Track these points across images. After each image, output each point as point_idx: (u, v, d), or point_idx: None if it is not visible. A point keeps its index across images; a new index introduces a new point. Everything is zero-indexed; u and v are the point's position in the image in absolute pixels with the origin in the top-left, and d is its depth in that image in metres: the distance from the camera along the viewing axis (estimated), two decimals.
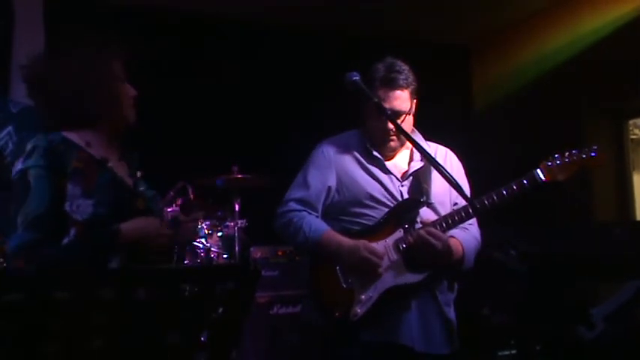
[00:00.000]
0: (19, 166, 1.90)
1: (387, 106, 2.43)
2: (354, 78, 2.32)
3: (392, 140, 2.52)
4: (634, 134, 5.36)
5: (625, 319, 3.24)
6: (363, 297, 2.39)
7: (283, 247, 4.35)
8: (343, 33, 5.61)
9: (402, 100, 2.48)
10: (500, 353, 3.94)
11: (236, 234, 4.12)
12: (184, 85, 4.89)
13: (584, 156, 2.41)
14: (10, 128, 2.19)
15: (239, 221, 4.17)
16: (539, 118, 5.32)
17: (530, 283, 3.85)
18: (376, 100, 2.32)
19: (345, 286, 2.42)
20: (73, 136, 1.98)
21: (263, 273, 4.19)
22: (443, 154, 2.66)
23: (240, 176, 4.16)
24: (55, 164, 1.88)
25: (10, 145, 2.17)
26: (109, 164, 2.00)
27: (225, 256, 4.14)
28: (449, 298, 2.55)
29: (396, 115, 2.45)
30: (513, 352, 3.92)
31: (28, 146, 1.88)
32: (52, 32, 4.59)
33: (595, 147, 2.42)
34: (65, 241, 1.86)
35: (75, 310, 1.14)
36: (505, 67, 5.75)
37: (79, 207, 1.88)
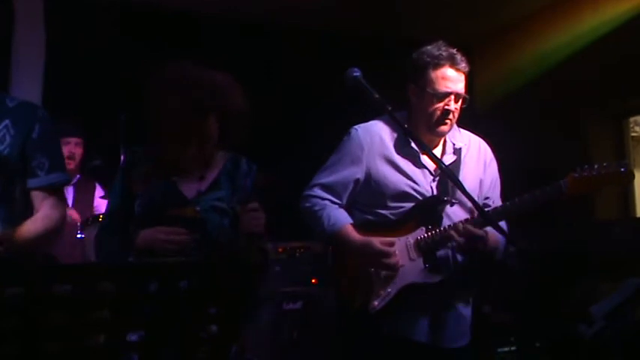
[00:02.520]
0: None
1: (452, 87, 2.41)
2: (355, 74, 2.30)
3: (447, 123, 2.46)
4: (634, 132, 5.36)
5: (624, 317, 3.24)
6: (382, 291, 2.39)
7: (284, 244, 4.35)
8: (344, 32, 5.61)
9: (464, 84, 2.47)
10: (500, 350, 3.95)
11: None
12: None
13: (612, 170, 2.30)
14: (7, 122, 2.21)
15: None
16: (541, 116, 5.32)
17: (529, 280, 3.85)
18: (377, 96, 2.29)
19: (364, 278, 2.41)
20: (148, 151, 2.31)
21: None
22: (476, 147, 2.61)
23: None
24: (127, 176, 2.27)
25: (8, 138, 2.19)
26: (174, 178, 2.25)
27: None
28: (468, 296, 2.54)
29: (458, 97, 2.44)
30: (513, 348, 3.93)
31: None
32: (52, 30, 4.61)
33: (626, 162, 2.32)
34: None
35: (75, 305, 1.14)
36: (507, 65, 5.75)
37: (136, 207, 2.22)
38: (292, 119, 5.27)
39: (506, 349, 3.97)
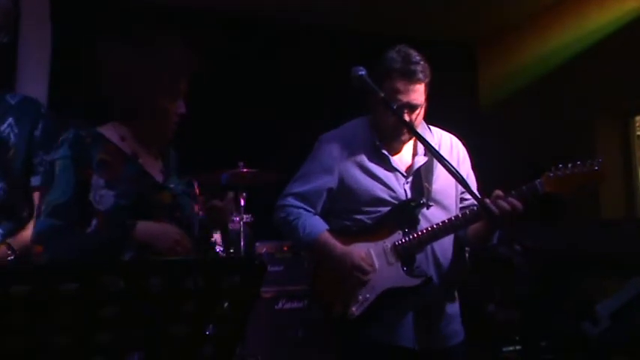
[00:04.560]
0: (48, 157, 2.00)
1: (403, 99, 2.36)
2: (360, 73, 2.28)
3: (403, 135, 2.46)
4: None
5: (630, 316, 3.23)
6: (360, 297, 2.38)
7: (288, 243, 4.36)
8: (350, 31, 5.61)
9: (419, 93, 2.40)
10: (505, 349, 3.95)
11: (241, 229, 4.13)
12: (190, 81, 4.89)
13: (585, 169, 2.26)
14: (10, 120, 2.19)
15: (244, 216, 4.18)
16: (545, 116, 5.32)
17: (535, 279, 3.85)
18: (383, 95, 2.28)
19: (343, 285, 2.41)
20: (108, 131, 2.04)
21: (268, 268, 4.20)
22: (448, 142, 2.59)
23: (245, 171, 4.17)
24: (81, 155, 1.94)
25: (12, 137, 2.17)
26: (140, 160, 2.04)
27: (230, 250, 4.15)
28: (450, 294, 2.52)
29: (412, 108, 2.39)
30: (518, 347, 3.92)
31: (61, 138, 1.97)
32: (60, 28, 4.62)
33: (600, 160, 2.26)
34: (88, 230, 1.92)
35: (82, 302, 1.15)
36: (511, 64, 5.74)
37: (102, 197, 1.93)
38: (297, 119, 5.27)
39: (510, 348, 3.96)
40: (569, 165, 2.28)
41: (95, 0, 4.79)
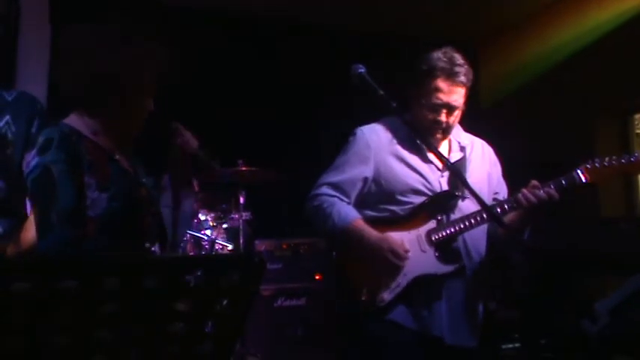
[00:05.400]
0: (34, 160, 1.84)
1: (444, 98, 2.40)
2: (360, 71, 2.29)
3: (437, 133, 2.48)
4: (639, 129, 5.34)
5: (629, 313, 3.23)
6: (392, 283, 2.38)
7: (287, 240, 4.36)
8: (350, 30, 5.61)
9: (460, 95, 2.44)
10: (504, 347, 3.95)
11: (241, 226, 4.14)
12: (190, 78, 4.89)
13: (623, 161, 2.37)
14: (7, 117, 2.17)
15: (244, 214, 4.19)
16: (545, 114, 5.32)
17: (535, 277, 3.85)
18: (382, 93, 2.28)
19: (374, 272, 2.40)
20: (78, 124, 1.94)
21: (267, 266, 4.21)
22: (479, 146, 2.64)
23: (245, 169, 4.18)
24: (73, 157, 1.83)
25: (10, 134, 2.16)
26: (116, 157, 1.97)
27: (229, 247, 4.16)
28: (480, 292, 2.52)
29: (451, 109, 2.43)
30: (517, 345, 3.92)
31: (41, 139, 1.83)
32: (59, 29, 4.62)
33: (637, 153, 2.39)
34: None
35: (80, 299, 1.15)
36: (511, 63, 5.74)
37: (94, 202, 1.83)
38: (297, 117, 5.28)
39: (510, 345, 3.97)
40: (606, 158, 2.37)
41: (95, 0, 4.78)
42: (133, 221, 1.91)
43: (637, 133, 5.26)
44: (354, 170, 2.51)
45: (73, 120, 1.95)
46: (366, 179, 2.51)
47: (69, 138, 1.85)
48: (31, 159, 1.84)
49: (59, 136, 1.84)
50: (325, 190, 2.53)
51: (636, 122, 5.28)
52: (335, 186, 2.52)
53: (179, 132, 2.14)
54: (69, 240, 1.77)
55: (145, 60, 1.96)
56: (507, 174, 2.68)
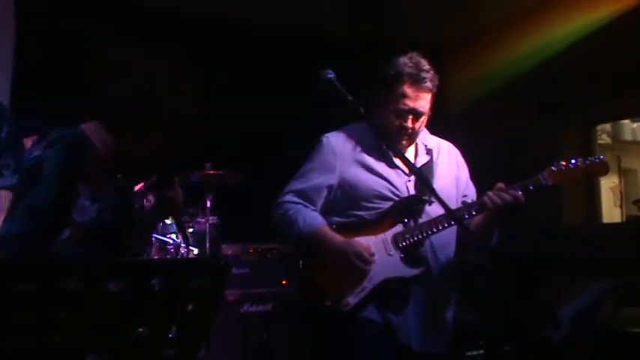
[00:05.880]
0: (37, 152, 1.87)
1: (410, 104, 2.41)
2: (329, 76, 2.29)
3: (403, 139, 2.49)
4: (601, 139, 5.46)
5: (590, 320, 3.29)
6: (356, 288, 2.38)
7: (254, 245, 4.34)
8: (317, 34, 5.61)
9: (426, 101, 2.45)
10: (468, 353, 3.98)
11: (207, 230, 4.10)
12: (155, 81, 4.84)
13: (588, 162, 2.40)
14: None
15: (210, 218, 4.16)
16: (510, 123, 5.39)
17: (498, 282, 3.89)
18: (350, 98, 2.28)
19: (339, 276, 2.40)
20: (94, 133, 1.95)
21: (233, 270, 4.18)
22: (446, 149, 2.65)
23: (212, 173, 4.15)
24: (73, 161, 1.86)
25: None
26: (118, 174, 2.02)
27: (195, 251, 4.12)
28: (448, 296, 2.54)
29: (417, 115, 2.44)
30: (482, 352, 3.95)
31: (54, 135, 1.87)
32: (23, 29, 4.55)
33: (602, 156, 2.44)
34: (60, 238, 1.84)
35: (42, 302, 1.12)
36: (477, 70, 5.81)
37: (83, 209, 1.86)
38: (265, 121, 5.26)
39: (474, 352, 3.99)
40: (572, 160, 2.40)
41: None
42: (119, 237, 1.94)
43: (599, 144, 5.38)
44: (320, 178, 2.51)
45: (91, 128, 1.97)
46: (331, 187, 2.51)
47: (78, 143, 1.90)
48: (35, 150, 1.90)
49: (69, 139, 1.89)
50: (290, 197, 2.52)
51: (599, 133, 5.40)
52: (300, 193, 2.52)
53: (175, 186, 2.18)
54: (25, 234, 1.77)
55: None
56: (473, 180, 2.70)
